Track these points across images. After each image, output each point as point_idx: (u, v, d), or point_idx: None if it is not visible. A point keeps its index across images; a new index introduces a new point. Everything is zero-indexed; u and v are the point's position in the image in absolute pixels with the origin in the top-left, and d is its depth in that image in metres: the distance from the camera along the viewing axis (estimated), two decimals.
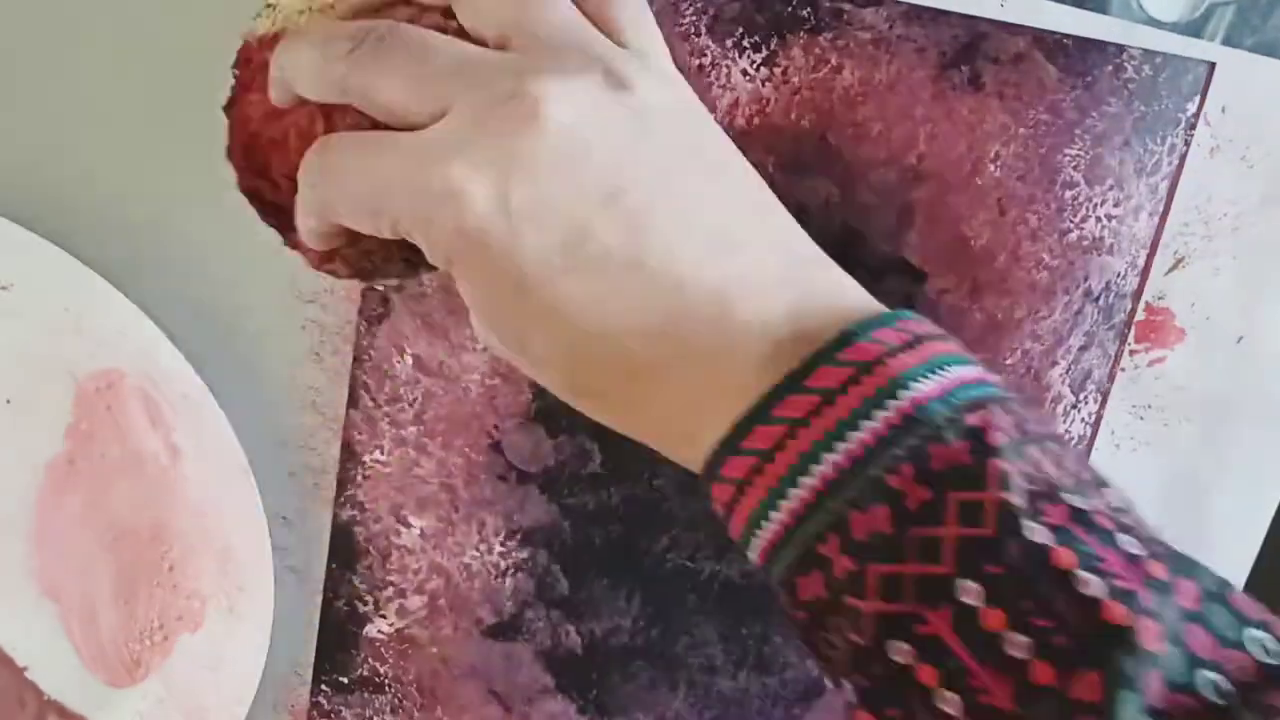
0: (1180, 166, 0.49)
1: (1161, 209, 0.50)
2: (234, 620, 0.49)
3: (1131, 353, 0.53)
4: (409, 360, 0.47)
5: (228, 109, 0.39)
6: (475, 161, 0.31)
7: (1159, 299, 0.53)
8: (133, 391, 0.46)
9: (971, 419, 0.30)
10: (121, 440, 0.47)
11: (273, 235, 0.39)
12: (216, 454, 0.47)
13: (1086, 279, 0.50)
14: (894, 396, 0.30)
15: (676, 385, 0.33)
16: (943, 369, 0.31)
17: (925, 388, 0.30)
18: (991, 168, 0.47)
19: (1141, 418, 0.55)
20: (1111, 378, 0.52)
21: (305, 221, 0.36)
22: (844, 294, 0.34)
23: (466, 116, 0.32)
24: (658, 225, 0.32)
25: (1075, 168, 0.48)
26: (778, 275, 0.33)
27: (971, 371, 0.32)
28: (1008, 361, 0.50)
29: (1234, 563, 0.59)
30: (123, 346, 0.46)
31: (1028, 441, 0.30)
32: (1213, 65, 0.48)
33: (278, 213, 0.39)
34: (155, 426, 0.47)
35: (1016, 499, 0.29)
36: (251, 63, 0.39)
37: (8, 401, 0.46)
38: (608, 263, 0.32)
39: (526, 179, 0.31)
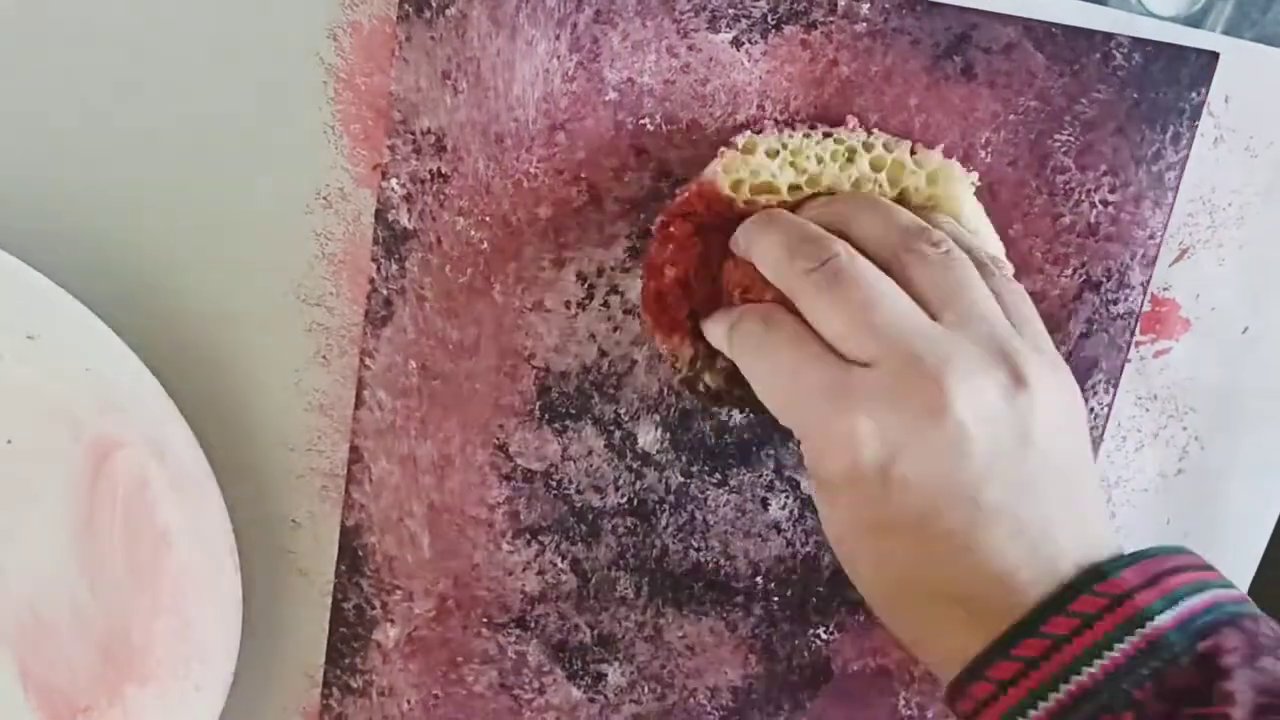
0: (1186, 156, 0.49)
1: (1170, 199, 0.50)
2: (188, 688, 0.49)
3: (1137, 344, 0.53)
4: (413, 363, 0.48)
5: (645, 265, 0.45)
6: (880, 425, 0.38)
7: (1164, 290, 0.53)
8: (134, 461, 0.47)
9: (1204, 645, 0.35)
10: (113, 505, 0.47)
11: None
12: (206, 534, 0.47)
13: (1085, 265, 0.50)
14: (1140, 627, 0.36)
15: (955, 620, 0.39)
16: (1180, 601, 0.36)
17: (1163, 621, 0.36)
18: (983, 154, 0.47)
19: (1147, 409, 0.55)
20: (1120, 368, 0.52)
21: (714, 334, 0.44)
22: (1101, 536, 0.39)
23: (888, 380, 0.38)
24: (997, 526, 0.38)
25: (1065, 153, 0.48)
26: (1065, 546, 0.38)
27: (1204, 599, 0.37)
28: None
29: (1242, 554, 0.59)
30: (135, 416, 0.46)
31: (1264, 652, 0.35)
32: (1216, 55, 0.48)
33: (662, 308, 0.45)
34: (149, 500, 0.47)
35: (1239, 715, 0.34)
36: (671, 233, 0.45)
37: (9, 442, 0.46)
38: (943, 542, 0.38)
39: (913, 459, 0.38)
